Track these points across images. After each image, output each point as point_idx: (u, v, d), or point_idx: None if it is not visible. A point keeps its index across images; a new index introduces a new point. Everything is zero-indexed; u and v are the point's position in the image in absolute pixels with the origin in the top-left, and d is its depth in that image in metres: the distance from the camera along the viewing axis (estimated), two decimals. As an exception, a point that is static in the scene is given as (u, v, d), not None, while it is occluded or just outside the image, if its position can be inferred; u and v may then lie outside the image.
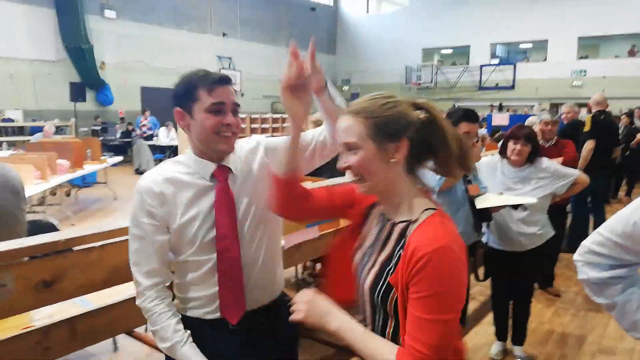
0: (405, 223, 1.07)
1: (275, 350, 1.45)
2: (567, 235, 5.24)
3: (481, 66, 20.52)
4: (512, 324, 3.19)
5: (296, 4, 22.00)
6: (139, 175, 11.50)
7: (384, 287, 1.05)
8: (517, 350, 3.16)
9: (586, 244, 1.19)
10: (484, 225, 2.77)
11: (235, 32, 19.44)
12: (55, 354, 1.77)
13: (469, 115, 2.35)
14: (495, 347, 3.23)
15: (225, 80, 1.39)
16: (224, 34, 19.02)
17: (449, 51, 23.10)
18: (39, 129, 11.58)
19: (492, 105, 18.70)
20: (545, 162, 2.97)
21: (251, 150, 1.47)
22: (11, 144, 11.80)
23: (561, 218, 4.39)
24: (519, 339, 3.17)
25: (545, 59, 19.57)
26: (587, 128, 5.04)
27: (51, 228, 3.19)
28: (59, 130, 11.78)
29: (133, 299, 1.99)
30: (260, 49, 20.51)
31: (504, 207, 2.56)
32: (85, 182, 8.98)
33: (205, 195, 1.35)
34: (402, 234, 1.06)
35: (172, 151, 12.90)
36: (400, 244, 1.05)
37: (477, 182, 2.60)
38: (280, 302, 1.51)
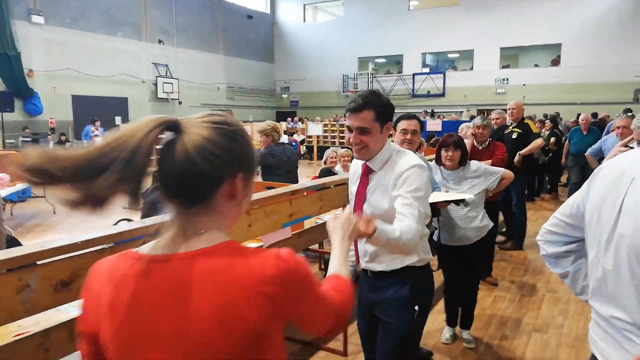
0: None
1: None
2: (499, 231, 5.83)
3: (414, 74, 21.53)
4: (460, 311, 3.55)
5: (233, 11, 22.00)
6: (75, 187, 11.09)
7: None
8: (465, 334, 3.52)
9: (545, 226, 1.49)
10: (435, 222, 3.12)
11: (172, 39, 19.13)
12: (55, 355, 1.85)
13: (405, 116, 2.86)
14: (446, 332, 3.57)
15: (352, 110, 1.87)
16: (160, 41, 18.66)
17: (383, 60, 24.01)
18: (-38, 141, 10.87)
19: (425, 112, 19.67)
20: (474, 164, 3.49)
21: (400, 165, 1.90)
22: None
23: (494, 214, 4.87)
24: (467, 324, 3.53)
25: (472, 68, 20.88)
26: (536, 130, 5.88)
27: (13, 240, 3.17)
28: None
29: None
30: (198, 56, 20.31)
31: (449, 202, 2.89)
32: (21, 196, 8.57)
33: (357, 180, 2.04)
34: None
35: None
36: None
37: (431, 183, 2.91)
38: (410, 272, 2.02)
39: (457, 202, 2.95)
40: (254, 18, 23.17)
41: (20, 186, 6.49)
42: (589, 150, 5.34)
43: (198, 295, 0.84)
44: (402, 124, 2.80)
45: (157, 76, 18.44)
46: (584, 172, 7.15)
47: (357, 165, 2.09)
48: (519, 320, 3.91)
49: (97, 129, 13.14)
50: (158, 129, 0.86)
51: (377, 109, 1.84)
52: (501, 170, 3.58)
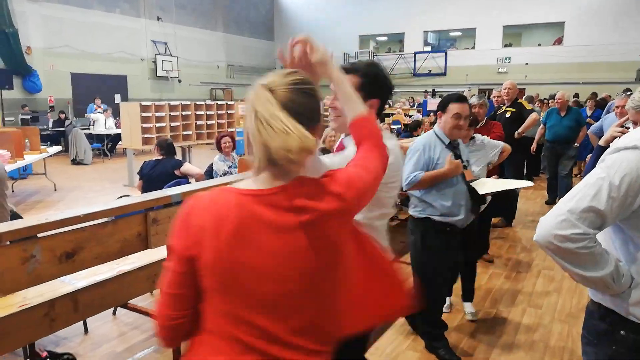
0: None
1: None
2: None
3: (415, 53, 21.33)
4: (461, 285, 3.61)
5: (233, -12, 21.69)
6: (75, 165, 11.12)
7: None
8: (468, 307, 3.61)
9: (565, 232, 1.25)
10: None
11: (171, 17, 18.90)
12: (59, 326, 1.91)
13: (458, 98, 2.72)
14: (446, 301, 3.66)
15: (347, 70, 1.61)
16: (158, 18, 18.44)
17: (385, 38, 23.76)
18: (-39, 119, 10.85)
19: (425, 91, 19.56)
20: (478, 137, 3.63)
21: None
22: None
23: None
24: (469, 296, 3.63)
25: (473, 47, 20.68)
26: (529, 107, 5.86)
27: (15, 215, 3.21)
28: (-16, 119, 11.09)
29: (126, 273, 2.16)
30: (197, 34, 20.09)
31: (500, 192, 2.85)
32: (22, 173, 8.60)
33: None
34: None
35: (111, 140, 12.50)
36: None
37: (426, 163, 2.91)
38: None
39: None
40: (254, -5, 22.85)
41: (20, 163, 6.51)
42: (591, 128, 5.37)
43: (292, 223, 0.98)
44: (455, 107, 2.61)
45: (156, 54, 18.28)
46: (560, 161, 6.67)
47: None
48: (513, 296, 3.98)
49: (99, 106, 13.12)
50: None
51: (364, 77, 1.60)
52: (501, 143, 3.73)
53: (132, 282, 2.12)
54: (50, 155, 8.46)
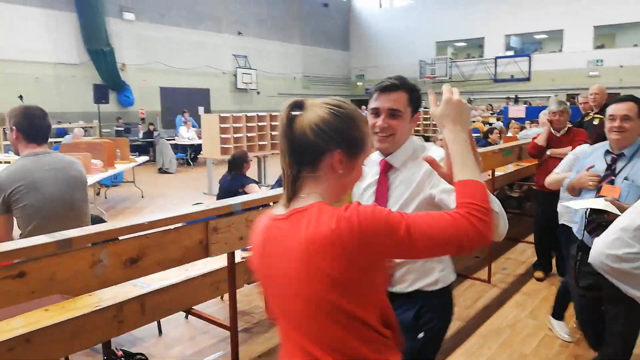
0: None
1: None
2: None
3: (496, 58, 20.49)
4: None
5: (309, 0, 22.17)
6: (162, 174, 11.86)
7: None
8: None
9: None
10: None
11: (250, 31, 19.70)
12: (127, 327, 2.02)
13: (615, 99, 2.48)
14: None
15: (393, 87, 1.61)
16: (239, 33, 19.30)
17: (463, 44, 23.07)
18: (65, 131, 11.99)
19: (507, 98, 18.69)
20: None
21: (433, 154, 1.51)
22: (39, 146, 12.21)
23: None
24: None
25: (561, 50, 19.47)
26: None
27: (100, 220, 3.46)
28: (84, 131, 12.16)
29: (192, 279, 2.23)
30: (275, 47, 20.76)
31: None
32: (114, 181, 9.31)
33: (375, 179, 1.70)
34: None
35: (194, 150, 13.21)
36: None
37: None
38: (420, 296, 1.67)
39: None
40: (330, 6, 23.19)
41: (111, 172, 7.05)
42: None
43: (291, 248, 1.03)
44: (609, 109, 2.39)
45: (236, 67, 19.11)
46: None
47: (371, 163, 1.71)
48: (601, 320, 3.64)
49: (187, 120, 13.94)
50: (289, 107, 1.09)
51: (411, 92, 1.61)
52: None
53: (197, 288, 2.19)
54: (139, 165, 9.08)
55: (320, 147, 1.06)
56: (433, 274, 1.67)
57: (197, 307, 2.93)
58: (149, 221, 1.61)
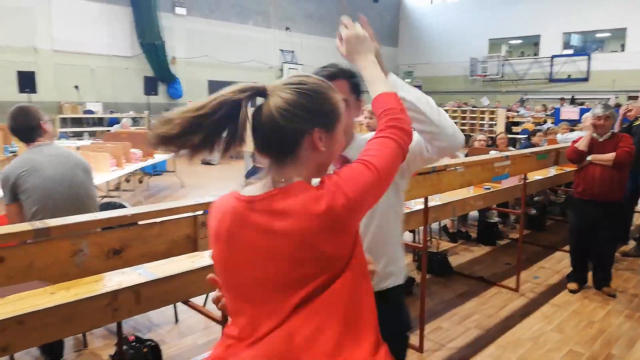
0: None
1: None
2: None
3: (552, 57, 19.56)
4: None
5: (359, -4, 22.00)
6: (204, 165, 12.15)
7: None
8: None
9: None
10: None
11: (298, 26, 19.79)
12: (121, 316, 2.05)
13: None
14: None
15: (332, 76, 1.48)
16: (287, 28, 19.42)
17: (517, 41, 22.18)
18: (116, 120, 12.52)
19: (562, 99, 17.81)
20: None
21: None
22: (92, 134, 12.84)
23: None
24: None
25: (623, 49, 18.33)
26: None
27: (120, 206, 3.57)
28: (134, 121, 12.64)
29: (190, 271, 2.25)
30: (322, 42, 20.73)
31: None
32: (156, 170, 9.61)
33: None
34: None
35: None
36: None
37: None
38: (390, 294, 1.56)
39: None
40: (380, 2, 22.91)
41: (150, 161, 7.27)
42: None
43: (277, 232, 0.96)
44: None
45: (283, 62, 19.25)
46: None
47: None
48: (632, 342, 3.39)
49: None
50: (245, 93, 1.03)
51: (350, 79, 1.52)
52: None
53: (194, 281, 2.19)
54: (179, 155, 9.31)
55: (297, 131, 1.01)
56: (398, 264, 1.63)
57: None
58: (132, 214, 1.63)
